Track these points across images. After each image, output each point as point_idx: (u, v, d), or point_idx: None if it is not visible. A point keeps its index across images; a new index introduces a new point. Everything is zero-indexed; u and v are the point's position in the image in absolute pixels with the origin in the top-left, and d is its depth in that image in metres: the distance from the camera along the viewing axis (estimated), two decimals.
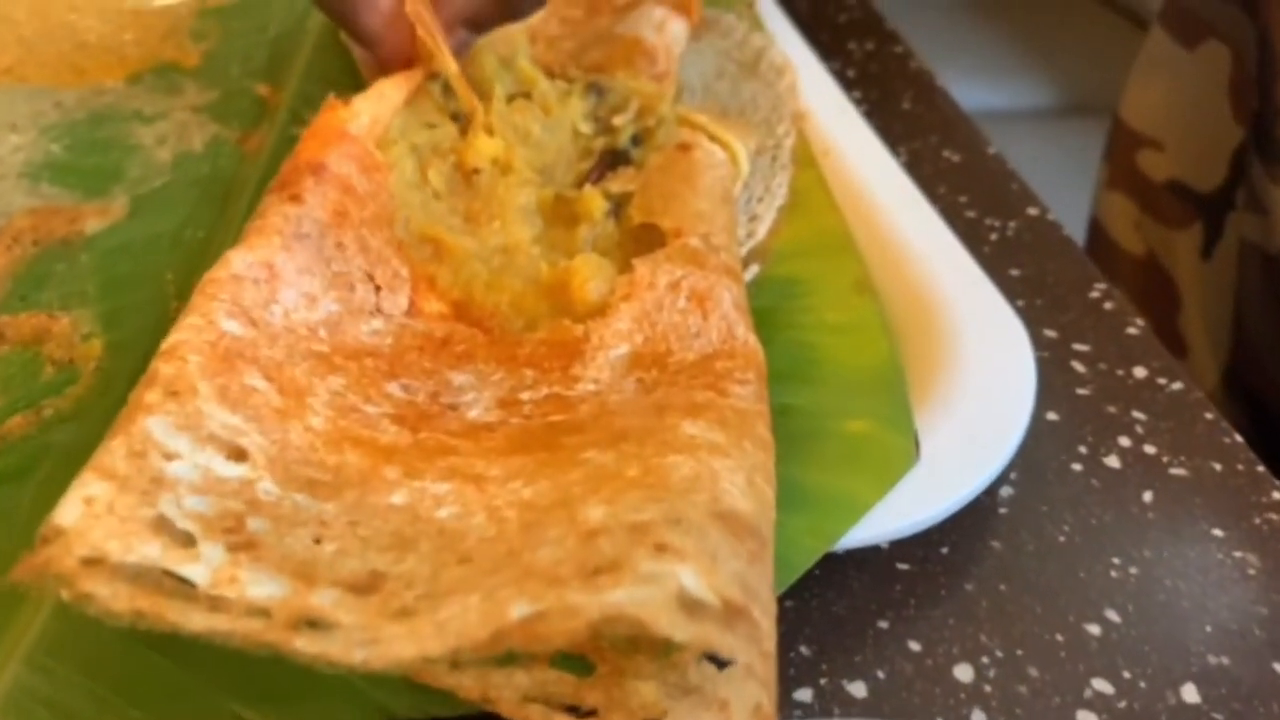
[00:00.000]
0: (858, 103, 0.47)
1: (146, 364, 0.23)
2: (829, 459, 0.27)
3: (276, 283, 0.27)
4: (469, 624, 0.18)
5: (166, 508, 0.20)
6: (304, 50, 0.47)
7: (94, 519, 0.20)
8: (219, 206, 0.38)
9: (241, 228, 0.29)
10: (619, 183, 0.35)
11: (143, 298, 0.34)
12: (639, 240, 0.33)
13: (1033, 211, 0.41)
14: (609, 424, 0.25)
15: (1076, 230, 0.41)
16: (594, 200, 0.33)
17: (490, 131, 0.33)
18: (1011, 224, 0.40)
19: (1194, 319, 0.60)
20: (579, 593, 0.18)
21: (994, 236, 0.40)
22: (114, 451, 0.21)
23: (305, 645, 0.18)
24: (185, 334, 0.24)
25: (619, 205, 0.34)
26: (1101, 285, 0.37)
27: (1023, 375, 0.30)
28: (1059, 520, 0.29)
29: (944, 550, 0.28)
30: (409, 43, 0.32)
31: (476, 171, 0.33)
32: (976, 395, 0.30)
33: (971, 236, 0.39)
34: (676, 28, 0.46)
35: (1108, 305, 0.36)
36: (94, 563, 0.19)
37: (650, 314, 0.29)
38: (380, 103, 0.32)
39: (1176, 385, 0.33)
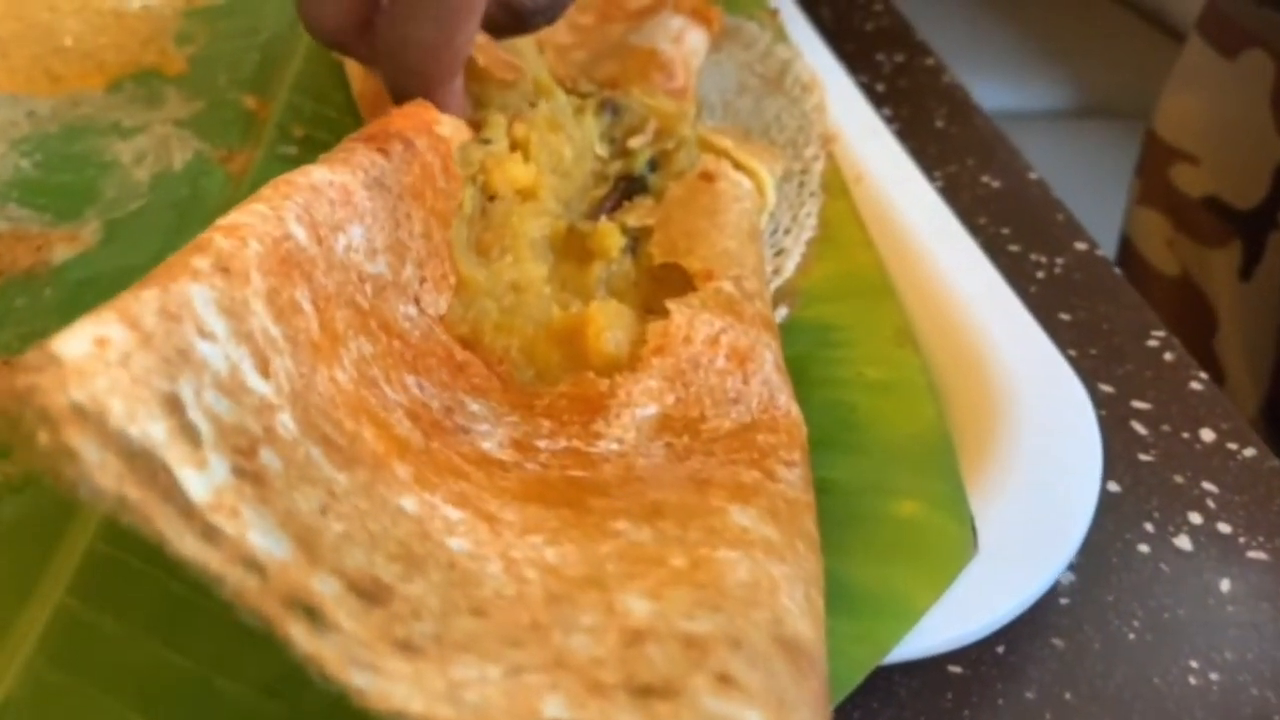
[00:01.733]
0: (888, 120, 0.44)
1: None
2: (876, 549, 0.24)
3: (350, 211, 0.24)
4: (489, 701, 0.16)
5: (185, 390, 0.17)
6: (296, 58, 0.43)
7: (102, 364, 0.16)
8: (199, 234, 0.35)
9: None
10: (636, 215, 0.32)
11: None
12: (658, 280, 0.30)
13: (1081, 246, 0.38)
14: (640, 492, 0.22)
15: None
16: (610, 236, 0.30)
17: (527, 155, 0.30)
18: (1059, 261, 0.37)
19: (1232, 343, 0.58)
20: (628, 714, 0.16)
21: (1040, 275, 0.37)
22: (145, 302, 0.17)
23: (301, 637, 0.15)
24: (250, 218, 0.21)
25: (636, 241, 0.31)
26: (1160, 333, 0.34)
27: (1086, 445, 0.27)
28: (1127, 614, 0.26)
29: (1000, 649, 0.25)
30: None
31: (492, 198, 0.30)
32: (1035, 469, 0.27)
33: (1016, 274, 0.36)
34: (695, 39, 0.42)
35: (1168, 356, 0.33)
36: (87, 416, 0.15)
37: (685, 372, 0.26)
38: (458, 131, 0.30)
39: (1249, 451, 0.30)
